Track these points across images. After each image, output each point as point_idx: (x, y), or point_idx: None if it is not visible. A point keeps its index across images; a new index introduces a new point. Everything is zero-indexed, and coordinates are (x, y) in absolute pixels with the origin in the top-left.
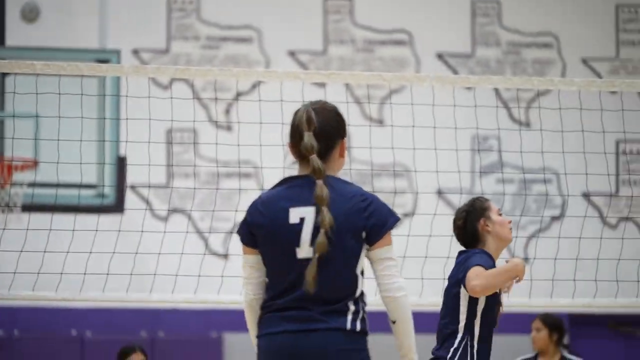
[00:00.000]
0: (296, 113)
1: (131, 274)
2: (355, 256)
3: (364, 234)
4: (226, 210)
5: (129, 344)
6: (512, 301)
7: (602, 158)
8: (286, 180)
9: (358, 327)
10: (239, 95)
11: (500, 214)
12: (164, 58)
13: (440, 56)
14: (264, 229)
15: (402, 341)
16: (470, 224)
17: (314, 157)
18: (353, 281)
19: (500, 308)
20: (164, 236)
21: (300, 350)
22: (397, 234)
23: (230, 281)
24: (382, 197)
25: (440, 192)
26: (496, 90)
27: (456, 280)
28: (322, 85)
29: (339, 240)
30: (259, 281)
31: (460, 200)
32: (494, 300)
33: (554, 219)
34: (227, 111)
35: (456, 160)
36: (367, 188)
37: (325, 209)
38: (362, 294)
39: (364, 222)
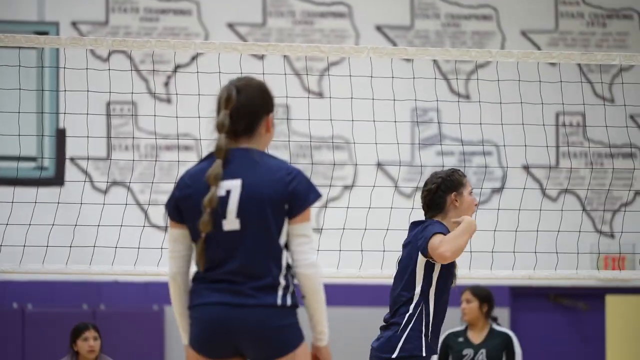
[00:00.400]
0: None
1: (71, 246)
2: (279, 229)
3: (286, 207)
4: (166, 183)
5: (82, 322)
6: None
7: (541, 130)
8: (212, 155)
9: (289, 301)
10: (177, 67)
11: (471, 193)
12: (103, 30)
13: (379, 28)
14: (191, 200)
15: (311, 315)
16: (442, 192)
17: (221, 136)
18: (278, 254)
19: (454, 281)
20: (104, 208)
21: (236, 325)
22: (337, 206)
23: None
24: (322, 170)
25: (379, 165)
26: (435, 63)
27: (414, 248)
28: (260, 57)
29: (263, 214)
30: (183, 254)
31: (399, 173)
32: (447, 270)
33: (494, 191)
34: (166, 83)
35: (395, 132)
36: (306, 160)
37: (214, 189)
38: (289, 266)
39: (287, 195)
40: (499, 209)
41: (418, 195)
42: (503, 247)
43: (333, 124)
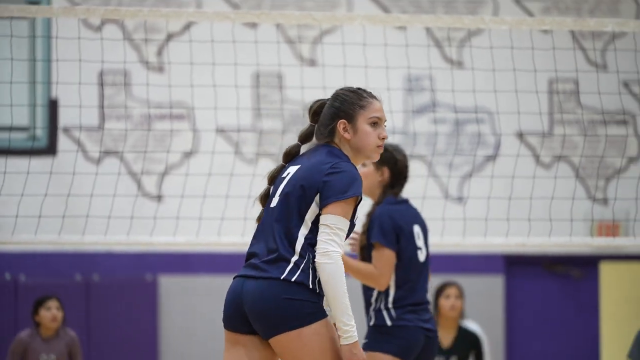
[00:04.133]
0: None
1: (64, 217)
2: (302, 213)
3: (317, 197)
4: (159, 152)
5: (46, 294)
6: (446, 241)
7: (534, 97)
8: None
9: (294, 277)
10: (170, 36)
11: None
12: (95, 0)
13: None
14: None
15: (330, 308)
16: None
17: (296, 144)
18: (294, 235)
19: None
20: (97, 178)
21: (242, 295)
22: None
23: (164, 223)
24: None
25: None
26: (428, 30)
27: None
28: (253, 25)
29: (294, 195)
30: None
31: (393, 140)
32: None
33: (488, 158)
34: (159, 52)
35: (388, 100)
36: (298, 128)
37: (267, 187)
38: (307, 248)
39: (320, 185)
40: (492, 177)
41: (412, 163)
42: (497, 214)
43: (326, 91)
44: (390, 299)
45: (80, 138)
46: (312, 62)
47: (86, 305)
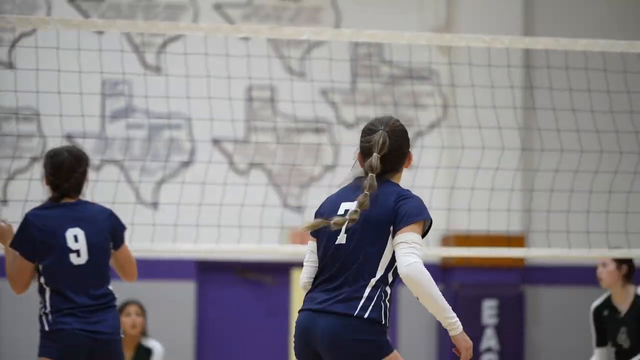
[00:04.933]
0: (369, 133)
1: None
2: (376, 247)
3: (391, 228)
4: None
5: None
6: (135, 246)
7: (230, 104)
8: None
9: (367, 314)
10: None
11: None
12: None
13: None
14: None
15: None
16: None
17: (372, 176)
18: (370, 268)
19: None
20: None
21: (313, 332)
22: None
23: None
24: None
25: (69, 137)
26: (127, 35)
27: None
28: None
29: (361, 233)
30: (315, 266)
31: (88, 145)
32: None
33: (184, 164)
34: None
35: (81, 105)
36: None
37: (358, 211)
38: (380, 283)
39: (393, 216)
40: (184, 183)
41: (107, 168)
42: (187, 220)
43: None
44: (47, 304)
45: None
46: None
47: None
